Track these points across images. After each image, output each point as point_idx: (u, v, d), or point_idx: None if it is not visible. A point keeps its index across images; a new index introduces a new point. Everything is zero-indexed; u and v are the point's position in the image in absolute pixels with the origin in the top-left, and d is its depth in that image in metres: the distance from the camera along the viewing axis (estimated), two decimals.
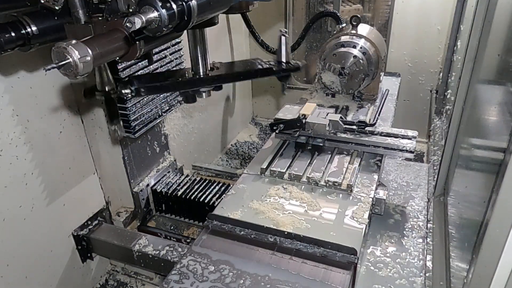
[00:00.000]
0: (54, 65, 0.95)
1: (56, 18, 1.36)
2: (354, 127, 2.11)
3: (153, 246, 2.18)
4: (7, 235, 1.82)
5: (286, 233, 1.56)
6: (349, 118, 2.31)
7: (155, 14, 0.98)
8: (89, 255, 2.30)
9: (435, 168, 2.72)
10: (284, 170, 1.95)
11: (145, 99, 2.26)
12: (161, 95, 2.40)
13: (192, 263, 1.51)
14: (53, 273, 2.11)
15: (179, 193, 2.56)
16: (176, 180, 2.68)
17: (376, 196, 1.87)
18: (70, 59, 0.94)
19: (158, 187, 2.60)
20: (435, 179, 2.53)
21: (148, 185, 2.55)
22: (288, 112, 2.23)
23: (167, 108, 2.48)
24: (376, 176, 1.97)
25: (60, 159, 2.05)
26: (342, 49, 2.35)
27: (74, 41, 0.96)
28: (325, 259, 1.50)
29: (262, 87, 4.43)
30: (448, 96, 3.32)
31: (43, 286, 2.07)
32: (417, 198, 2.49)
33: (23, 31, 1.32)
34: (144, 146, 2.51)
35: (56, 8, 1.27)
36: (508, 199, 1.11)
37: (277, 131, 2.13)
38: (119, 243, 2.20)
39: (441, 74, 3.70)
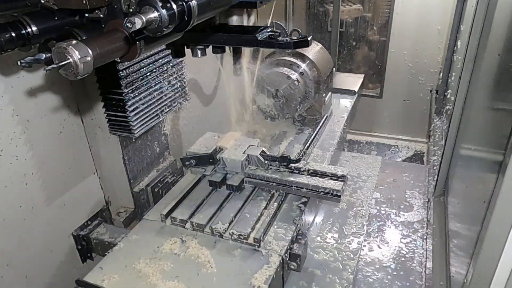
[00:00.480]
0: (54, 65, 0.95)
1: (56, 18, 1.36)
2: (277, 163, 1.85)
3: None
4: (7, 235, 1.82)
5: None
6: (282, 148, 2.09)
7: (155, 14, 0.98)
8: (89, 255, 2.30)
9: (435, 168, 2.72)
10: (186, 218, 1.72)
11: (145, 99, 2.26)
12: (161, 95, 2.40)
13: None
14: (53, 273, 2.11)
15: None
16: (176, 180, 2.68)
17: (290, 252, 1.62)
18: (71, 59, 0.94)
19: (158, 187, 2.60)
20: (435, 179, 2.53)
21: (148, 185, 2.55)
22: (205, 143, 2.01)
23: (167, 108, 2.48)
24: (293, 226, 1.71)
25: (60, 159, 2.05)
26: (276, 70, 2.11)
27: (74, 41, 0.96)
28: None
29: None
30: (448, 96, 3.32)
31: (43, 286, 2.06)
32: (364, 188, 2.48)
33: (23, 31, 1.31)
34: (144, 146, 2.51)
35: (56, 8, 1.28)
36: (508, 199, 1.11)
37: (188, 167, 1.93)
38: (115, 242, 2.20)
39: (441, 74, 3.71)
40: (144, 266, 1.52)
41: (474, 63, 2.06)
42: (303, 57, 2.17)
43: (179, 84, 2.55)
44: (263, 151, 1.87)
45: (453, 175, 2.26)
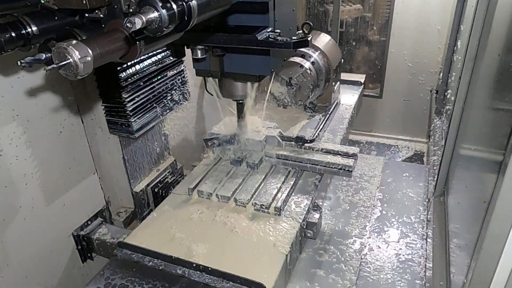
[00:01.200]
0: (55, 65, 0.95)
1: (56, 18, 1.36)
2: (293, 143, 1.99)
3: None
4: (7, 235, 1.82)
5: (194, 265, 1.48)
6: (296, 131, 2.20)
7: (155, 14, 0.98)
8: (89, 255, 2.30)
9: (435, 168, 2.72)
10: (212, 191, 1.83)
11: (145, 99, 2.26)
12: (161, 95, 2.40)
13: None
14: (53, 273, 2.11)
15: None
16: (176, 181, 2.68)
17: (307, 220, 1.76)
18: (71, 60, 0.95)
19: (158, 187, 2.60)
20: (435, 179, 2.53)
21: (148, 185, 2.55)
22: (226, 125, 2.11)
23: (167, 108, 2.48)
24: (310, 198, 1.84)
25: (60, 159, 2.05)
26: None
27: (74, 41, 0.96)
28: None
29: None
30: (448, 96, 3.33)
31: (43, 286, 2.06)
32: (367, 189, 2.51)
33: (23, 31, 1.32)
34: (144, 146, 2.51)
35: (56, 8, 1.28)
36: (508, 199, 1.11)
37: (211, 147, 2.01)
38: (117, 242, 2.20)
39: (441, 74, 3.71)
40: (177, 231, 1.65)
41: (474, 63, 2.06)
42: (314, 48, 2.29)
43: (179, 84, 2.55)
44: (280, 132, 2.01)
45: (453, 175, 2.26)
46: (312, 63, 2.25)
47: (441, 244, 2.09)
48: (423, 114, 4.05)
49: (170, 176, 2.72)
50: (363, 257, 2.06)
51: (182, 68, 2.54)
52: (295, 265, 1.81)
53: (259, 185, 1.87)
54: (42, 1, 1.29)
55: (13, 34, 1.30)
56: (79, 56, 0.95)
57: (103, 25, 1.26)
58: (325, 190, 2.40)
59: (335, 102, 2.63)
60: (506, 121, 1.27)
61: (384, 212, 2.46)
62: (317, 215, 1.77)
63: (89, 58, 0.97)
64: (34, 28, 1.32)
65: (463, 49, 2.55)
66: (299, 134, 2.05)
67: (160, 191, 2.58)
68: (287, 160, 1.96)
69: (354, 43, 4.31)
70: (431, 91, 3.93)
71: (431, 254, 2.09)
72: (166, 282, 1.46)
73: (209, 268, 1.46)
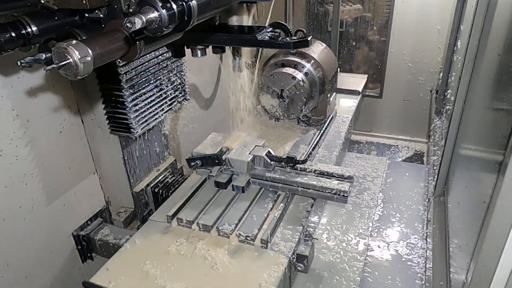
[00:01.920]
0: (54, 65, 0.95)
1: (56, 18, 1.36)
2: (283, 163, 1.84)
3: None
4: (7, 235, 1.82)
5: None
6: (287, 148, 2.09)
7: (155, 14, 0.98)
8: (89, 255, 2.30)
9: (435, 168, 2.72)
10: (192, 219, 1.71)
11: (145, 99, 2.26)
12: (162, 95, 2.40)
13: None
14: (53, 273, 2.11)
15: None
16: (176, 180, 2.68)
17: (297, 253, 1.61)
18: (70, 60, 0.94)
19: (158, 187, 2.60)
20: (435, 179, 2.53)
21: (148, 185, 2.55)
22: (211, 144, 2.00)
23: (167, 108, 2.48)
24: (301, 227, 1.70)
25: (60, 159, 2.05)
26: (282, 70, 2.10)
27: (74, 41, 0.96)
28: None
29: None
30: (448, 96, 3.32)
31: (43, 286, 2.06)
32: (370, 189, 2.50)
33: (23, 31, 1.31)
34: (144, 146, 2.51)
35: (56, 8, 1.28)
36: (508, 199, 1.11)
37: (194, 168, 1.92)
38: (119, 243, 2.20)
39: (441, 74, 3.71)
40: (151, 267, 1.51)
41: (474, 63, 2.06)
42: (308, 57, 2.16)
43: (179, 84, 2.55)
44: (269, 152, 1.86)
45: (453, 175, 2.26)
46: (306, 74, 2.12)
47: (441, 244, 2.09)
48: (423, 114, 4.05)
49: (170, 176, 2.72)
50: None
51: (182, 68, 2.54)
52: None
53: (245, 212, 1.73)
54: (42, 1, 1.28)
55: (13, 34, 1.29)
56: (79, 56, 0.95)
57: (103, 25, 1.26)
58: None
59: (330, 116, 2.47)
60: (506, 121, 1.27)
61: (384, 212, 2.46)
62: (308, 247, 1.61)
63: (89, 58, 0.97)
64: (34, 28, 1.32)
65: (463, 49, 2.55)
66: (290, 153, 1.93)
67: (160, 191, 2.58)
68: (277, 183, 1.81)
69: (354, 43, 4.31)
70: (431, 91, 3.93)
71: (431, 254, 2.09)
72: None
73: None
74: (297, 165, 1.81)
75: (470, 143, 1.98)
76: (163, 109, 2.45)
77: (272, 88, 2.14)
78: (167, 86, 2.44)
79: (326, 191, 1.72)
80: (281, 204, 1.77)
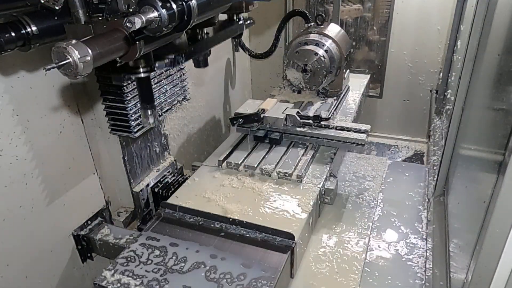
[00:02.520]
0: (54, 65, 0.95)
1: (56, 18, 1.36)
2: (310, 121, 2.23)
3: None
4: (7, 235, 1.82)
5: (230, 219, 1.68)
6: (311, 113, 2.40)
7: (155, 14, 0.98)
8: (89, 255, 2.30)
9: (435, 168, 2.72)
10: (239, 162, 2.07)
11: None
12: (161, 96, 2.40)
13: (140, 247, 1.61)
14: (53, 273, 2.11)
15: None
16: (176, 180, 2.68)
17: (325, 186, 1.96)
18: (70, 59, 0.95)
19: (158, 187, 2.60)
20: (435, 179, 2.53)
21: (148, 185, 2.55)
22: (249, 107, 2.36)
23: (167, 108, 2.48)
24: (327, 168, 2.07)
25: (60, 159, 2.05)
26: (305, 47, 2.43)
27: (74, 41, 0.96)
28: (265, 243, 1.62)
29: (262, 87, 4.43)
30: (448, 96, 3.32)
31: (43, 286, 2.06)
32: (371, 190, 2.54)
33: (23, 31, 1.32)
34: (144, 146, 2.51)
35: (56, 8, 1.28)
36: (508, 199, 1.11)
37: (236, 125, 2.23)
38: (119, 243, 2.20)
39: (441, 74, 3.71)
40: (211, 195, 1.87)
41: (474, 63, 2.06)
42: (327, 37, 2.46)
43: (179, 84, 2.55)
44: (298, 112, 2.23)
45: (453, 175, 2.26)
46: (326, 51, 2.42)
47: (441, 244, 2.09)
48: (423, 114, 4.05)
49: (170, 176, 2.72)
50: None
51: (182, 67, 2.54)
52: (315, 224, 2.05)
53: (281, 157, 2.09)
54: (42, 1, 1.28)
55: (13, 34, 1.30)
56: (79, 56, 0.95)
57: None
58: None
59: (346, 88, 2.84)
60: (506, 121, 1.26)
61: (384, 212, 2.45)
62: (334, 183, 1.97)
63: (88, 58, 0.97)
64: (34, 28, 1.32)
65: (463, 49, 2.55)
66: (315, 113, 2.27)
67: (160, 191, 2.58)
68: (306, 136, 2.20)
69: (354, 43, 4.30)
70: (431, 91, 3.93)
71: (431, 254, 2.09)
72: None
73: (244, 222, 1.65)
74: (322, 122, 2.18)
75: (470, 143, 1.98)
76: (163, 110, 2.45)
77: (297, 63, 2.45)
78: (167, 87, 2.44)
79: (347, 141, 2.12)
80: (310, 151, 2.18)
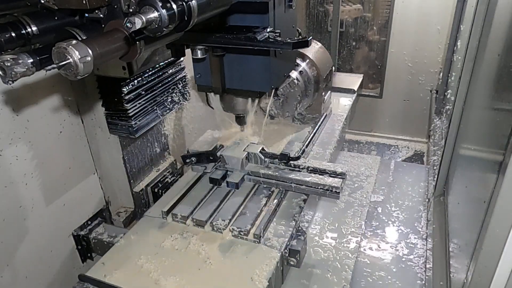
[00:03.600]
0: (54, 65, 0.95)
1: (56, 18, 1.36)
2: (277, 160, 1.88)
3: None
4: (7, 235, 1.82)
5: None
6: (282, 146, 2.12)
7: (155, 14, 0.98)
8: (89, 255, 2.30)
9: (435, 168, 2.73)
10: (187, 214, 1.74)
11: (145, 99, 2.26)
12: (162, 95, 2.40)
13: None
14: (53, 273, 2.11)
15: None
16: (176, 180, 2.68)
17: (290, 248, 1.64)
18: (70, 59, 0.94)
19: (158, 187, 2.60)
20: (435, 179, 2.53)
21: (148, 185, 2.55)
22: (206, 141, 2.06)
23: (167, 108, 2.48)
24: (293, 223, 1.72)
25: (60, 159, 2.05)
26: None
27: (74, 41, 0.96)
28: None
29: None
30: (448, 96, 3.32)
31: (43, 286, 2.06)
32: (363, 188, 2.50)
33: (23, 31, 1.31)
34: (144, 146, 2.51)
35: (56, 8, 1.28)
36: (508, 199, 1.11)
37: (188, 165, 1.95)
38: (113, 241, 2.20)
39: (441, 74, 3.71)
40: (146, 262, 1.54)
41: (474, 63, 2.06)
42: (302, 56, 2.18)
43: (179, 83, 2.55)
44: (263, 149, 1.89)
45: (453, 175, 2.26)
46: (300, 72, 2.15)
47: (441, 244, 2.09)
48: (423, 114, 4.05)
49: (170, 176, 2.72)
50: (363, 257, 2.06)
51: (182, 67, 2.54)
52: None
53: (238, 208, 1.77)
54: (42, 1, 1.28)
55: (13, 34, 1.29)
56: (79, 56, 0.95)
57: (103, 25, 1.27)
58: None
59: (325, 114, 2.49)
60: (506, 121, 1.27)
61: (384, 212, 2.46)
62: (301, 242, 1.65)
63: (89, 58, 0.97)
64: (34, 28, 1.32)
65: (463, 49, 2.55)
66: (284, 150, 1.96)
67: (160, 191, 2.58)
68: (270, 180, 1.85)
69: (354, 43, 4.31)
70: (431, 91, 3.93)
71: (431, 254, 2.10)
72: None
73: None
74: (291, 162, 1.84)
75: (470, 143, 1.98)
76: (163, 110, 2.44)
77: None
78: (167, 87, 2.44)
79: (319, 187, 1.75)
80: (275, 200, 1.81)
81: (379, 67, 4.21)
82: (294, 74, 2.13)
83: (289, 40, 1.37)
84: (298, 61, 2.16)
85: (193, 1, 1.05)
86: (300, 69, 2.16)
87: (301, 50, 2.12)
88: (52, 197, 2.03)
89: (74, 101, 2.08)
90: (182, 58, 2.43)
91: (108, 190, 2.43)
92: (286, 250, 1.62)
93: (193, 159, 1.90)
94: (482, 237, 1.22)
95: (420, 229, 2.32)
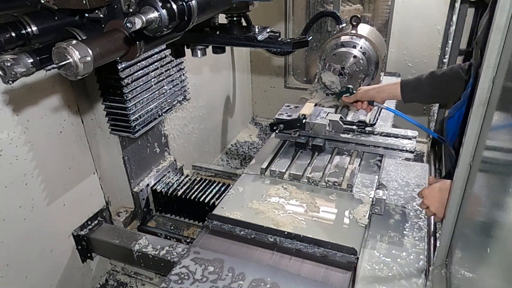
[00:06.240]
0: (54, 65, 0.95)
1: (56, 18, 1.36)
2: (354, 127, 2.12)
3: (153, 246, 2.18)
4: (7, 235, 1.82)
5: (286, 233, 1.56)
6: (349, 118, 2.31)
7: (155, 14, 0.98)
8: (89, 255, 2.30)
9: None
10: (284, 170, 1.95)
11: (145, 99, 2.26)
12: (161, 96, 2.40)
13: (192, 263, 1.49)
14: (53, 273, 2.12)
15: (179, 193, 2.56)
16: (176, 180, 2.69)
17: (376, 196, 1.86)
18: (71, 60, 0.94)
19: (158, 187, 2.60)
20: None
21: (148, 185, 2.55)
22: (287, 112, 2.25)
23: (167, 108, 2.48)
24: (376, 176, 1.96)
25: (60, 159, 2.05)
26: (342, 49, 2.35)
27: (74, 41, 0.96)
28: (325, 259, 1.50)
29: (262, 87, 4.43)
30: None
31: (43, 286, 2.07)
32: (417, 199, 2.46)
33: (23, 31, 1.31)
34: (144, 146, 2.51)
35: (56, 8, 1.27)
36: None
37: (277, 131, 2.13)
38: (119, 243, 2.20)
39: None
40: (259, 206, 1.74)
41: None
42: (365, 39, 2.38)
43: (179, 84, 2.55)
44: (341, 117, 2.13)
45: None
46: (363, 53, 2.35)
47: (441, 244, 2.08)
48: (423, 114, 4.05)
49: (170, 176, 2.72)
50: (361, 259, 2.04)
51: (182, 67, 2.54)
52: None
53: (327, 165, 2.00)
54: (42, 1, 1.28)
55: (13, 34, 1.29)
56: (79, 56, 0.95)
57: (103, 25, 1.26)
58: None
59: None
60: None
61: (384, 212, 2.45)
62: (384, 193, 1.88)
63: (89, 58, 0.97)
64: (34, 28, 1.32)
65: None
66: (359, 119, 2.19)
67: (160, 191, 2.58)
68: (350, 143, 2.09)
69: None
70: None
71: (431, 254, 2.09)
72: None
73: (301, 236, 1.53)
74: (366, 128, 2.11)
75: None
76: (163, 110, 2.45)
77: (334, 66, 2.36)
78: (167, 87, 2.45)
79: (395, 148, 2.03)
80: (357, 159, 2.07)
81: None
82: (359, 54, 2.32)
83: (289, 40, 1.38)
84: (361, 42, 2.35)
85: (193, 1, 1.05)
86: (363, 50, 2.35)
87: (362, 33, 2.34)
88: (52, 197, 2.03)
89: (74, 101, 2.08)
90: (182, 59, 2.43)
91: (108, 190, 2.43)
92: (373, 199, 1.84)
93: (281, 126, 2.10)
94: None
95: (420, 229, 2.32)
